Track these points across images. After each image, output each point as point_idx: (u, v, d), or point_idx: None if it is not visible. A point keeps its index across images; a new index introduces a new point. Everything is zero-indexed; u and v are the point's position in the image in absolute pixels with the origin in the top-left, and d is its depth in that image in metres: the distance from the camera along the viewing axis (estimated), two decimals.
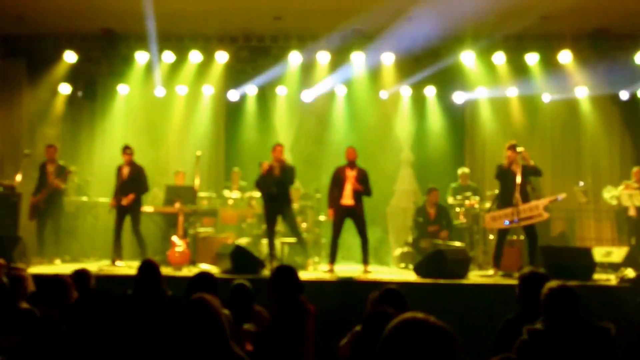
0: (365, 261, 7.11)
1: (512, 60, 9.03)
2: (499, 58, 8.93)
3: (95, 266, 6.90)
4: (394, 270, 7.91)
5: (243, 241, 7.95)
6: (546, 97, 9.65)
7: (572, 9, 7.85)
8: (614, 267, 7.06)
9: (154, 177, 8.55)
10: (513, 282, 5.96)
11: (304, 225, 8.20)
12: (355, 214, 7.11)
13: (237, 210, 8.74)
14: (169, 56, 9.12)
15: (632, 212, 7.91)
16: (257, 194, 8.03)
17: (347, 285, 6.20)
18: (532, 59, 8.89)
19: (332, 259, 7.11)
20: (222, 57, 9.14)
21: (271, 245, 7.31)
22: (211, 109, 10.14)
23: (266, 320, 3.84)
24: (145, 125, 9.79)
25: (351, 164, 7.25)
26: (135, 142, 7.96)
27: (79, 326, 3.44)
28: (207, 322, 2.37)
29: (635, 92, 9.36)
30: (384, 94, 9.82)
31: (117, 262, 7.24)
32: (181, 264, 7.15)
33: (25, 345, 3.17)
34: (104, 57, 9.38)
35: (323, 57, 9.03)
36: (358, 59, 9.06)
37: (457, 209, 8.52)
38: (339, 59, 9.21)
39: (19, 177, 7.79)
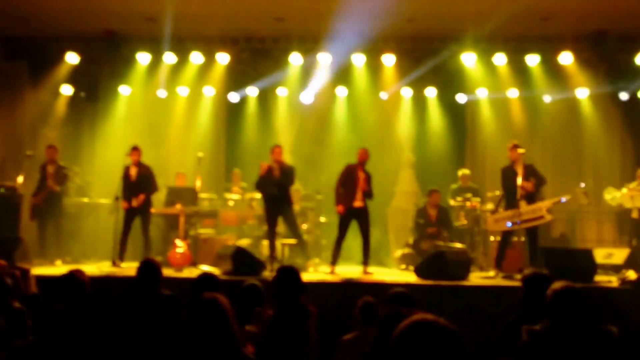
0: (365, 262, 7.12)
1: (512, 62, 9.04)
2: (500, 59, 8.94)
3: (96, 267, 6.91)
4: (395, 272, 7.91)
5: (244, 242, 7.95)
6: (547, 99, 9.66)
7: (573, 10, 7.87)
8: (615, 269, 7.05)
9: (155, 178, 8.55)
10: (514, 283, 5.99)
11: (304, 226, 8.21)
12: (363, 215, 7.14)
13: (238, 212, 8.74)
14: (170, 57, 9.14)
15: (634, 214, 7.91)
16: (258, 196, 8.04)
17: (349, 286, 6.19)
18: (532, 60, 8.89)
19: (334, 260, 7.11)
20: (223, 58, 9.15)
21: (272, 247, 7.32)
22: (212, 110, 10.16)
23: (268, 321, 3.85)
24: (147, 127, 9.80)
25: (362, 165, 7.27)
26: (136, 143, 7.96)
27: (79, 327, 3.44)
28: (219, 322, 2.38)
29: (636, 93, 9.36)
30: (384, 95, 9.83)
31: (118, 263, 7.23)
32: (182, 265, 7.16)
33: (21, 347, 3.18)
34: (106, 59, 9.38)
35: (324, 59, 9.04)
36: (358, 60, 9.06)
37: (458, 211, 8.52)
38: (340, 60, 9.22)
39: (20, 179, 7.80)
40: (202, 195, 8.56)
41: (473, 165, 9.85)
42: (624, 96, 9.41)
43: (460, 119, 10.23)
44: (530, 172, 7.03)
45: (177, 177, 9.04)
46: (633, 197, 7.92)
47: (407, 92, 9.96)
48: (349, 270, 7.44)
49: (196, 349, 2.37)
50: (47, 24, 8.75)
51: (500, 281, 6.60)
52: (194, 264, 7.34)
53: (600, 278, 6.47)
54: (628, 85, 9.27)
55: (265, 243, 7.74)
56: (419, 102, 10.11)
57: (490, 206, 8.26)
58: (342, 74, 9.51)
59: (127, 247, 7.43)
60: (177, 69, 9.46)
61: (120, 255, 7.30)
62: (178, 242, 7.35)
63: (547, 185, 8.13)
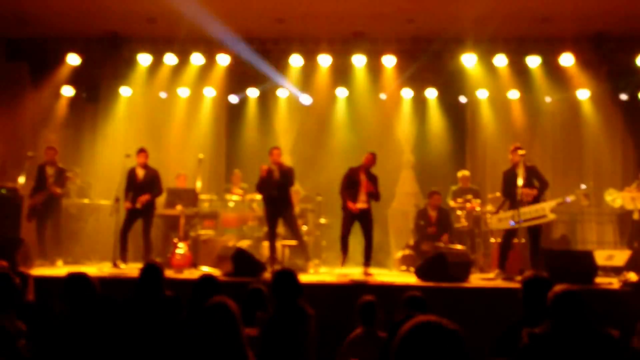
0: (366, 263, 7.12)
1: (513, 63, 9.04)
2: (501, 60, 8.94)
3: (97, 268, 6.91)
4: (395, 273, 7.91)
5: (244, 244, 7.96)
6: (548, 100, 9.65)
7: (573, 11, 7.86)
8: (616, 271, 7.04)
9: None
10: (514, 285, 5.98)
11: (304, 228, 8.21)
12: (366, 217, 7.16)
13: (238, 213, 8.75)
14: (171, 59, 9.14)
15: (635, 216, 7.90)
16: (258, 197, 8.05)
17: (351, 288, 6.18)
18: (533, 61, 8.89)
19: (344, 258, 7.15)
20: (223, 59, 9.16)
21: (272, 248, 7.33)
22: (213, 112, 10.17)
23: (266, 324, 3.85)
24: (147, 128, 9.81)
25: (365, 168, 7.27)
26: (137, 144, 7.97)
27: (86, 329, 3.45)
28: (227, 327, 2.38)
29: (636, 95, 9.36)
30: (384, 97, 9.83)
31: (120, 264, 7.23)
32: (182, 266, 7.15)
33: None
34: (107, 60, 9.39)
35: (324, 60, 9.04)
36: (359, 61, 9.06)
37: (458, 212, 8.52)
38: (340, 62, 9.22)
39: (22, 180, 7.80)
40: (203, 196, 8.57)
41: (473, 166, 9.85)
42: (624, 98, 9.40)
43: (460, 120, 10.23)
44: (533, 174, 7.01)
45: (178, 178, 9.05)
46: (634, 198, 7.91)
47: (407, 93, 9.96)
48: (349, 271, 7.44)
49: (204, 352, 2.37)
50: (47, 25, 8.76)
51: (500, 283, 6.59)
52: (194, 265, 7.34)
53: (601, 280, 6.46)
54: (629, 87, 9.26)
55: (266, 244, 7.74)
56: (419, 103, 10.11)
57: (490, 207, 8.26)
58: (343, 75, 9.50)
59: (128, 248, 7.42)
60: (177, 70, 9.47)
61: (122, 256, 7.28)
62: (178, 243, 7.35)
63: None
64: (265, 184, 7.32)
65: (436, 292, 5.96)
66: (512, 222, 6.80)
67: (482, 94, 9.76)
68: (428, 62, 8.94)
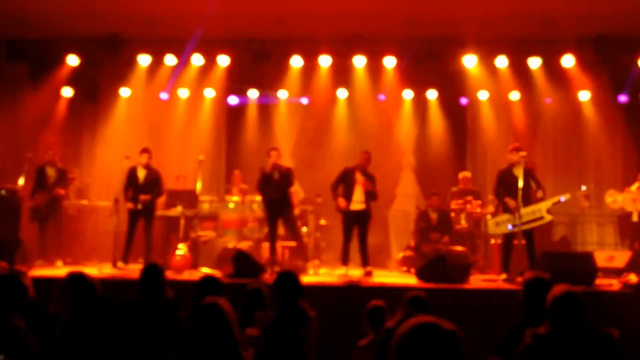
0: (364, 263, 7.12)
1: (514, 64, 9.03)
2: (501, 61, 8.93)
3: (97, 269, 6.90)
4: (396, 274, 7.90)
5: (244, 245, 7.95)
6: (548, 101, 9.64)
7: (575, 13, 7.86)
8: (616, 272, 7.02)
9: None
10: (514, 286, 5.96)
11: (304, 229, 8.20)
12: (364, 218, 7.16)
13: (238, 214, 8.73)
14: (171, 59, 9.13)
15: (635, 217, 7.89)
16: (258, 198, 8.04)
17: (352, 289, 6.17)
18: (534, 62, 8.88)
19: (345, 261, 7.15)
20: (223, 60, 9.15)
21: (272, 249, 7.31)
22: (213, 113, 10.15)
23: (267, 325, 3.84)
24: (147, 129, 9.80)
25: (361, 168, 7.26)
26: (136, 145, 7.96)
27: (87, 330, 3.43)
28: (220, 327, 2.37)
29: (638, 96, 9.35)
30: (385, 98, 9.81)
31: (119, 265, 7.22)
32: (182, 267, 7.14)
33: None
34: (106, 61, 9.38)
35: (324, 61, 9.03)
36: (359, 62, 9.05)
37: (459, 213, 8.50)
38: (341, 62, 9.21)
39: (21, 181, 7.79)
40: (203, 197, 8.55)
41: (474, 167, 9.84)
42: (626, 99, 9.39)
43: (461, 122, 10.21)
44: (530, 177, 7.00)
45: (178, 179, 9.04)
46: (634, 200, 7.90)
47: (407, 94, 9.95)
48: (350, 272, 7.42)
49: (198, 353, 2.36)
50: (47, 26, 8.75)
51: (500, 284, 6.58)
52: (194, 266, 7.32)
53: (602, 281, 6.44)
54: (630, 88, 9.25)
55: (266, 246, 7.73)
56: (420, 105, 10.09)
57: (491, 209, 8.24)
58: (343, 76, 9.49)
59: (131, 250, 7.40)
60: (177, 71, 9.46)
61: (124, 257, 7.28)
62: (179, 244, 7.33)
63: (548, 188, 8.10)
64: (265, 185, 7.31)
65: (436, 293, 5.95)
66: (510, 227, 6.79)
67: (482, 95, 9.75)
68: (429, 63, 8.93)
